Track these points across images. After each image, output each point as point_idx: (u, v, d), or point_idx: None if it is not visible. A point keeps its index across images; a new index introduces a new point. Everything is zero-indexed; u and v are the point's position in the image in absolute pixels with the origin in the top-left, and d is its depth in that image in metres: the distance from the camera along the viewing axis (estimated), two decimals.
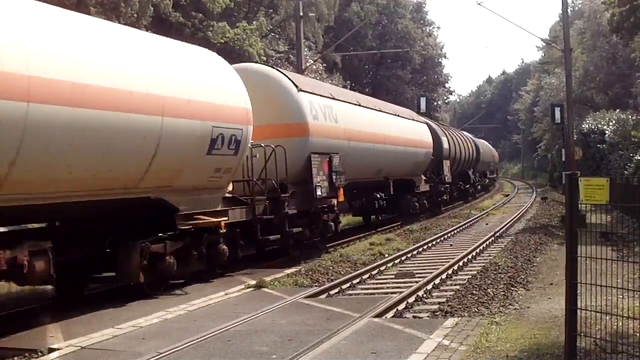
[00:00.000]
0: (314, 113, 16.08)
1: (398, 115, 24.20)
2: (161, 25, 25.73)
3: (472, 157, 40.52)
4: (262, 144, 14.18)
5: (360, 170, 19.35)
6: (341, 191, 16.96)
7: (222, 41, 27.88)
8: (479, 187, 46.73)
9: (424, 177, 27.27)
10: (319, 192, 15.57)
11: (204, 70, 12.28)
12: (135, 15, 22.92)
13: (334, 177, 16.34)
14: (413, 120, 26.43)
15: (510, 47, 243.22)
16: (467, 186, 39.87)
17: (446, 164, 30.62)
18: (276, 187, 14.59)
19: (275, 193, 14.58)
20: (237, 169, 13.11)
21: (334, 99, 17.92)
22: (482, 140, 54.85)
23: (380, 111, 22.07)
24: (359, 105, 20.13)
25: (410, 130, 25.03)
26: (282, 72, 16.35)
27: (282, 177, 14.74)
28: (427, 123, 28.90)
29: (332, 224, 17.11)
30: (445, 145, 30.73)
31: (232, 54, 25.67)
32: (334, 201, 16.69)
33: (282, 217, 14.63)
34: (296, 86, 15.79)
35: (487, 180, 53.69)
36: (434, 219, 27.44)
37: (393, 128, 22.60)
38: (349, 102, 19.34)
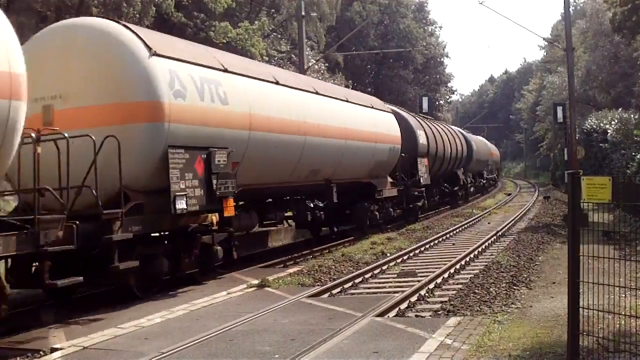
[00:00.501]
0: (178, 88, 11.07)
1: (347, 101, 18.92)
2: (163, 26, 25.77)
3: (462, 155, 35.61)
4: (66, 134, 9.25)
5: (278, 171, 14.76)
6: (230, 202, 12.16)
7: (225, 41, 27.93)
8: (471, 189, 40.97)
9: (389, 180, 22.25)
10: (181, 205, 10.77)
11: None
12: (137, 15, 22.97)
13: (215, 182, 11.58)
14: (372, 108, 21.06)
15: (513, 46, 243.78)
16: (456, 189, 34.73)
17: (422, 162, 25.46)
18: (97, 199, 9.60)
19: (96, 208, 9.65)
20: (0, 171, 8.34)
21: (225, 71, 12.70)
22: (478, 137, 50.42)
23: (317, 94, 16.79)
24: (277, 83, 14.69)
25: (367, 120, 19.84)
26: (128, 28, 11.19)
27: (113, 184, 9.95)
28: (394, 112, 24.01)
29: (218, 248, 12.22)
30: (422, 140, 25.63)
31: (234, 53, 25.71)
32: (213, 217, 11.80)
33: (107, 245, 9.78)
34: (148, 48, 10.86)
35: (484, 182, 48.03)
36: (433, 218, 27.39)
37: (338, 116, 17.58)
38: (256, 78, 13.92)
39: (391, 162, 22.00)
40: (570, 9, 29.45)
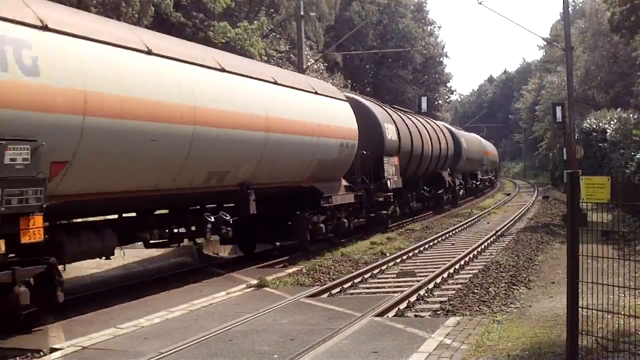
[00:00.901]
0: None
1: (274, 82, 14.40)
2: (162, 25, 25.79)
3: (448, 154, 31.21)
4: None
5: (150, 174, 10.70)
6: (35, 220, 8.21)
7: (224, 41, 27.95)
8: (461, 192, 36.10)
9: (344, 183, 18.25)
10: None
11: None
12: (136, 15, 22.99)
13: None
14: (315, 93, 16.53)
15: (512, 46, 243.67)
16: (440, 192, 30.13)
17: (391, 162, 21.19)
18: None
19: None
20: None
21: (44, 28, 8.67)
22: (470, 134, 46.34)
23: (222, 71, 12.43)
24: (148, 52, 10.50)
25: (305, 109, 15.60)
26: None
27: None
28: (352, 100, 19.98)
29: (22, 289, 8.29)
30: (390, 135, 21.18)
31: (233, 53, 25.78)
32: None
33: None
34: None
35: (478, 183, 42.79)
36: (432, 219, 27.36)
37: (257, 102, 13.29)
38: (107, 43, 9.75)
39: (344, 161, 17.90)
40: (570, 9, 29.49)
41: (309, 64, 31.75)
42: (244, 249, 17.12)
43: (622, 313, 6.58)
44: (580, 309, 5.83)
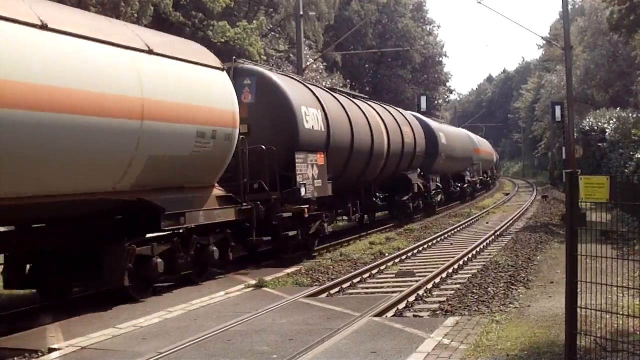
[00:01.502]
0: None
1: (47, 28, 8.50)
2: (161, 25, 25.77)
3: (416, 150, 24.78)
4: None
5: None
6: None
7: (223, 40, 27.93)
8: (439, 197, 29.57)
9: (218, 193, 12.56)
10: None
11: None
12: (135, 15, 22.98)
13: None
14: (150, 52, 10.52)
15: (511, 45, 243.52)
16: (405, 198, 23.80)
17: (310, 161, 15.30)
18: None
19: None
20: None
21: None
22: (456, 128, 41.25)
23: None
24: None
25: (121, 75, 9.72)
26: None
27: None
28: (249, 71, 15.16)
29: None
30: (311, 123, 15.46)
31: (232, 53, 25.76)
32: None
33: None
34: None
35: (466, 185, 36.71)
36: (432, 218, 27.30)
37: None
38: None
39: (213, 158, 12.05)
40: (569, 8, 29.50)
41: (308, 63, 31.72)
42: (48, 294, 11.11)
43: (621, 313, 6.58)
44: (579, 309, 5.82)
